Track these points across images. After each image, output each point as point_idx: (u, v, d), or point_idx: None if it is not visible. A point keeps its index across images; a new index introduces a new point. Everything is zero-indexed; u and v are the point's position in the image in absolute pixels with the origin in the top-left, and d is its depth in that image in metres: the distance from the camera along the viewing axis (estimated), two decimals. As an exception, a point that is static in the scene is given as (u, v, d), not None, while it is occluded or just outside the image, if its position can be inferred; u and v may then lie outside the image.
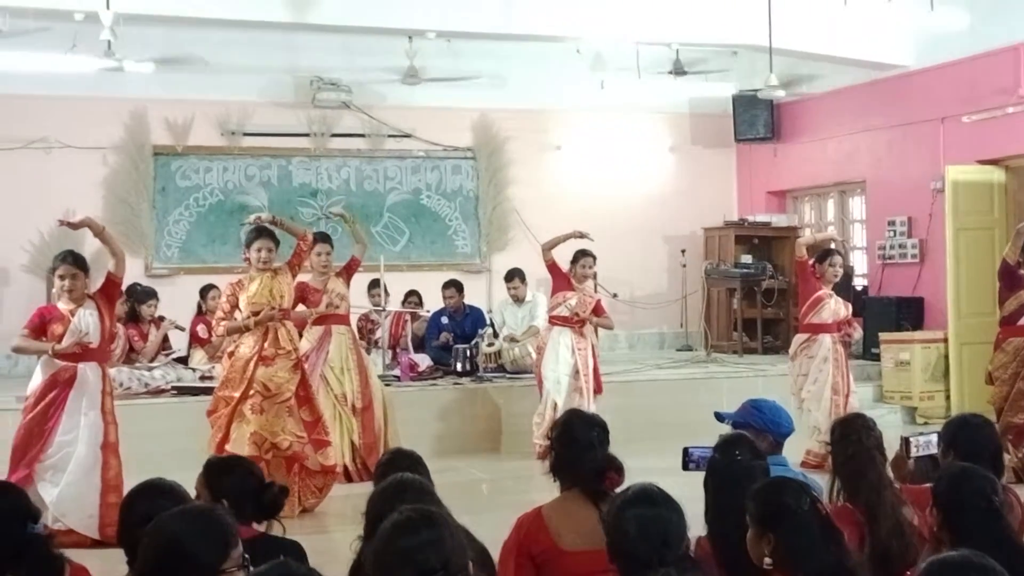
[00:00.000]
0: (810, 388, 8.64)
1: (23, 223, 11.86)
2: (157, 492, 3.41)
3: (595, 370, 9.43)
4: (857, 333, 9.10)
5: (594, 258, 9.46)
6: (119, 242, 7.05)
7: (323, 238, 8.80)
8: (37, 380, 6.63)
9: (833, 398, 8.61)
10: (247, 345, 7.40)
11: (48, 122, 12.00)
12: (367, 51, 11.82)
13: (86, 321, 6.56)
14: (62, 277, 6.60)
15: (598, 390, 9.42)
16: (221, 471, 3.77)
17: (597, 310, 9.46)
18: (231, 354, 7.50)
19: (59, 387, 6.54)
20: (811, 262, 8.83)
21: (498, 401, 10.06)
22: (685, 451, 4.03)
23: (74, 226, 6.84)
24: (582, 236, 9.39)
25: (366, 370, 8.75)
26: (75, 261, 6.66)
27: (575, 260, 9.38)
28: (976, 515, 3.33)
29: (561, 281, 9.30)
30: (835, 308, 8.77)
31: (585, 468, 3.80)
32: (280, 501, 3.69)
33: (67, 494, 6.46)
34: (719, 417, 4.76)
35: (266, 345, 7.36)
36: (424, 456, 4.07)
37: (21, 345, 6.69)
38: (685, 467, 4.02)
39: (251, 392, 7.30)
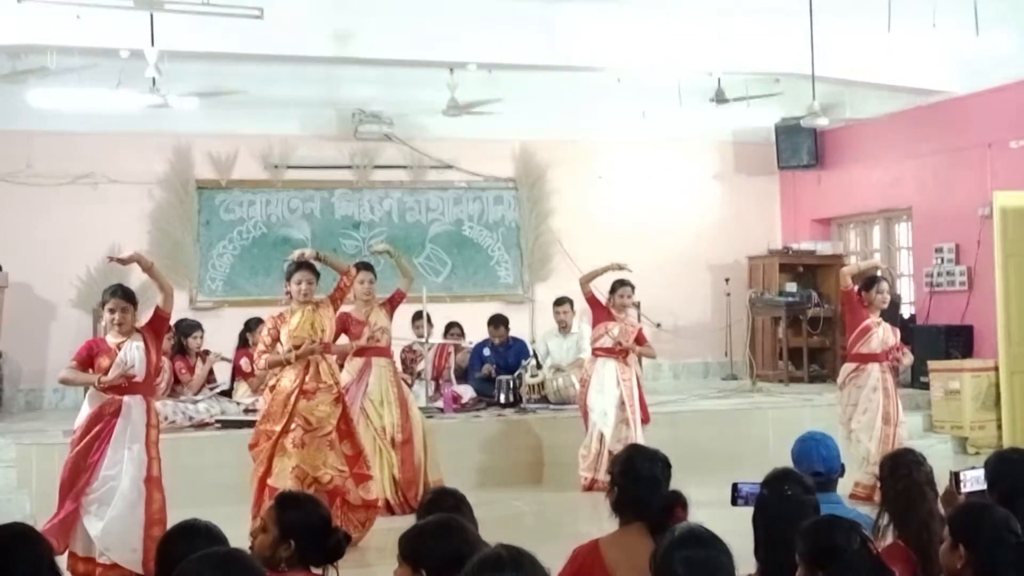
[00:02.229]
0: (860, 418, 8.55)
1: (70, 258, 12.04)
2: (194, 533, 3.41)
3: (641, 400, 9.41)
4: (908, 359, 8.98)
5: (632, 287, 9.46)
6: (166, 277, 7.11)
7: (366, 267, 8.86)
8: (84, 413, 6.69)
9: (884, 428, 8.52)
10: (288, 379, 7.41)
11: (94, 158, 12.20)
12: (408, 83, 11.89)
13: (132, 355, 6.62)
14: (112, 311, 6.66)
15: (645, 420, 9.40)
16: (292, 507, 3.73)
17: (639, 339, 9.44)
18: (272, 388, 7.52)
19: (104, 420, 6.58)
20: (857, 290, 8.76)
21: (541, 433, 10.03)
22: (734, 486, 3.99)
23: (123, 261, 6.92)
24: (620, 268, 9.38)
25: (407, 403, 8.74)
26: (124, 295, 6.72)
27: (613, 290, 9.39)
28: (1003, 551, 3.28)
29: (601, 312, 9.30)
30: (883, 337, 8.69)
31: (651, 503, 3.77)
32: (343, 548, 3.64)
33: (111, 528, 6.49)
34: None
35: (307, 379, 7.37)
36: (466, 488, 4.05)
37: (67, 377, 6.76)
38: (734, 503, 3.98)
39: (292, 426, 7.31)
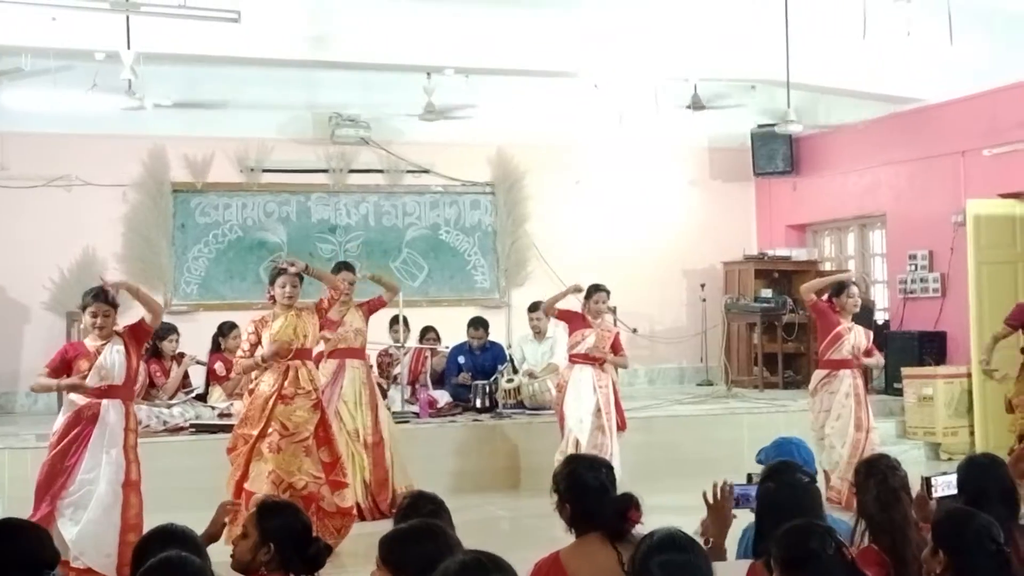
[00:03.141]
0: (834, 424, 8.59)
1: (44, 261, 11.97)
2: (169, 537, 3.41)
3: (618, 406, 9.41)
4: (876, 359, 9.05)
5: (607, 292, 9.44)
6: (151, 295, 7.12)
7: (347, 266, 8.86)
8: (62, 417, 6.66)
9: (855, 435, 8.57)
10: (267, 383, 7.39)
11: (69, 160, 12.11)
12: (385, 87, 11.89)
13: (111, 358, 6.61)
14: (94, 314, 6.65)
15: (622, 426, 9.40)
16: (274, 513, 3.73)
17: (615, 346, 9.43)
18: (251, 392, 7.52)
19: (82, 424, 6.57)
20: (827, 297, 8.82)
21: (517, 437, 10.04)
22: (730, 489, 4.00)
23: (113, 286, 6.86)
24: (579, 290, 9.34)
25: (377, 406, 8.76)
26: (106, 299, 6.70)
27: (588, 296, 9.36)
28: (983, 559, 3.31)
29: (577, 321, 9.28)
30: (855, 342, 8.74)
31: (603, 511, 3.76)
32: (323, 558, 3.65)
33: (87, 532, 6.46)
34: (760, 460, 4.72)
35: (286, 383, 7.36)
36: (442, 493, 4.05)
37: (41, 384, 6.76)
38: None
39: (269, 430, 7.30)
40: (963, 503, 3.95)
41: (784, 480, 3.82)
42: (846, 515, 4.20)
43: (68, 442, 6.56)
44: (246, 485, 7.22)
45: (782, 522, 3.39)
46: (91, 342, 6.68)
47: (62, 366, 6.65)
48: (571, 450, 9.03)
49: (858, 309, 8.96)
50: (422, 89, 11.54)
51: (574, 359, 9.27)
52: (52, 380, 6.65)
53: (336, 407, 8.42)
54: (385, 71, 11.20)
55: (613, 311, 12.52)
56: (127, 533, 6.47)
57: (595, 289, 9.36)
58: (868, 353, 8.88)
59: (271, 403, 7.32)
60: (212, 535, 3.90)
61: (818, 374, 8.82)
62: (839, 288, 8.85)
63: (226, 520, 4.07)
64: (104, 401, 6.59)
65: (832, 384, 8.65)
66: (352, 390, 8.56)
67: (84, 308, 6.75)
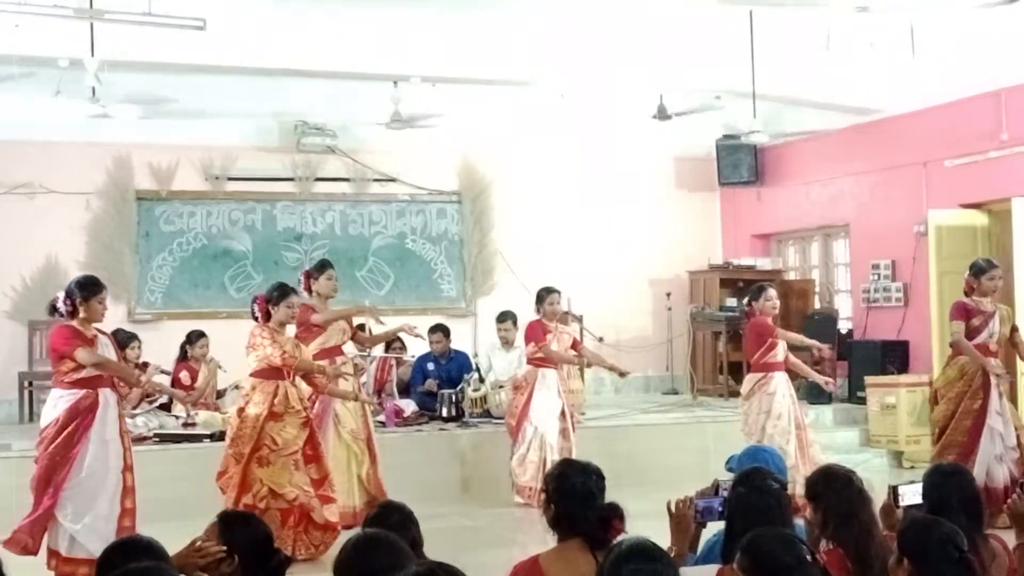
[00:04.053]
0: (776, 423, 8.67)
1: (6, 269, 11.90)
2: (134, 550, 3.38)
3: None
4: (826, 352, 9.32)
5: (559, 293, 9.55)
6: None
7: (332, 264, 8.87)
8: (58, 410, 6.61)
9: (797, 432, 8.71)
10: (256, 403, 7.46)
11: (32, 167, 12.02)
12: (352, 96, 11.88)
13: (106, 345, 6.77)
14: (101, 301, 6.75)
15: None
16: (236, 523, 3.73)
17: (575, 345, 9.59)
18: (241, 411, 7.56)
19: (81, 415, 6.58)
20: (747, 301, 9.05)
21: (484, 447, 10.04)
22: (695, 506, 4.02)
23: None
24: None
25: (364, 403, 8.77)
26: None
27: (540, 300, 9.47)
28: (947, 567, 3.35)
29: (536, 330, 9.38)
30: (784, 347, 8.92)
31: (588, 518, 3.78)
32: (283, 570, 3.66)
33: (94, 527, 6.50)
34: (730, 468, 4.75)
35: (276, 402, 7.44)
36: (409, 502, 4.04)
37: (100, 361, 6.66)
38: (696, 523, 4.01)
39: (261, 446, 7.39)
40: (927, 512, 3.99)
41: (755, 486, 3.84)
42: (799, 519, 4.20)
43: (69, 433, 6.54)
44: (245, 499, 7.29)
45: (751, 528, 3.41)
46: (85, 329, 6.70)
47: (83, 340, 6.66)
48: (535, 452, 9.15)
49: (776, 311, 9.06)
50: (388, 98, 11.54)
51: (534, 362, 9.36)
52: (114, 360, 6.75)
53: (334, 408, 8.38)
54: (351, 79, 11.19)
55: (580, 320, 12.59)
56: (123, 518, 6.59)
57: (547, 292, 9.50)
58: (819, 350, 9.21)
59: (262, 421, 7.40)
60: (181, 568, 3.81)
61: (752, 378, 8.86)
62: (756, 293, 8.99)
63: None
64: (101, 390, 6.64)
65: (768, 385, 8.75)
66: (348, 387, 8.52)
67: (87, 298, 6.68)
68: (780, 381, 8.76)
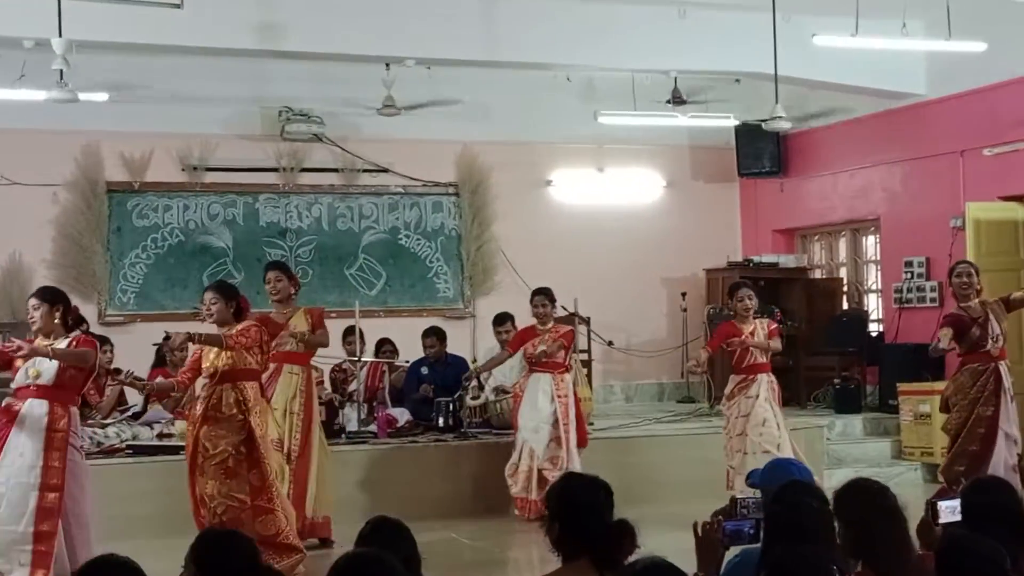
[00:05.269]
0: (761, 430, 8.92)
1: (-35, 266, 11.88)
2: (111, 570, 3.39)
3: (579, 420, 9.66)
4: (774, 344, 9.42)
5: (544, 295, 9.83)
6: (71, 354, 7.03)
7: (276, 265, 9.00)
8: None
9: (780, 433, 8.98)
10: (195, 407, 7.65)
11: (-6, 157, 12.04)
12: (341, 80, 11.89)
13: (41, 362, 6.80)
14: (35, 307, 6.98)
15: (582, 443, 9.61)
16: (213, 546, 3.72)
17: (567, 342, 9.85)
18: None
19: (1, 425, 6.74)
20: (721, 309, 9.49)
21: (483, 459, 10.04)
22: (722, 527, 4.00)
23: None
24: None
25: (312, 419, 8.68)
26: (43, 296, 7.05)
27: (531, 300, 9.85)
28: None
29: (529, 337, 9.72)
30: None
31: (595, 536, 3.77)
32: None
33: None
34: (752, 483, 4.73)
35: (209, 407, 7.52)
36: (404, 519, 4.03)
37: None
38: (723, 544, 3.96)
39: (196, 453, 7.50)
40: (967, 529, 3.98)
41: (793, 503, 3.80)
42: None
43: None
44: (200, 514, 7.44)
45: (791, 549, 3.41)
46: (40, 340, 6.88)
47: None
48: (524, 462, 9.36)
49: (749, 312, 9.29)
50: (380, 81, 11.55)
51: (532, 369, 9.67)
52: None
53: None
54: (340, 62, 11.19)
55: (587, 322, 12.60)
56: (39, 542, 6.55)
57: (534, 294, 9.87)
58: (770, 336, 9.27)
59: (197, 426, 7.53)
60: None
61: (734, 379, 9.26)
62: (730, 291, 9.43)
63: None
64: (29, 401, 6.72)
65: (750, 388, 9.05)
66: (283, 397, 8.53)
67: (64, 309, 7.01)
68: (763, 384, 9.08)
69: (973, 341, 8.40)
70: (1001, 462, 8.22)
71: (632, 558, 3.62)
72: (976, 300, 8.50)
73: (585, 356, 12.47)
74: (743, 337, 9.15)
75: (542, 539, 3.95)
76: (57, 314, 6.93)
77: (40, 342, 6.82)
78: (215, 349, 7.56)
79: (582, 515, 3.85)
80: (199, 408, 7.57)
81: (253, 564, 3.68)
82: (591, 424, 10.98)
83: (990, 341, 8.41)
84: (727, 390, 9.30)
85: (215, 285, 8.03)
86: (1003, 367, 8.48)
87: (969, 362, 8.50)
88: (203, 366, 7.64)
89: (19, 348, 6.73)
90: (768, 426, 8.91)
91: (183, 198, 12.93)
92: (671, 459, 10.36)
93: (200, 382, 7.77)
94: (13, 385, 6.78)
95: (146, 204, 12.82)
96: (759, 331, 9.24)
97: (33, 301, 7.00)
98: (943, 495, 5.11)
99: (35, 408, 6.72)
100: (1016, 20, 10.04)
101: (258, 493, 7.54)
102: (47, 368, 6.73)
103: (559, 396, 9.47)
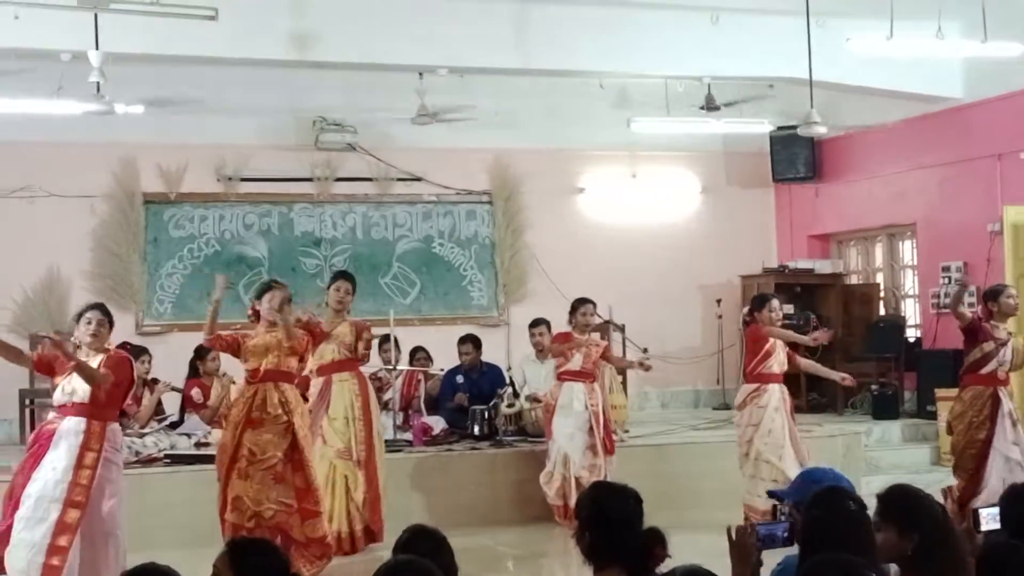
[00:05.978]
0: (766, 440, 8.89)
1: (5, 279, 11.97)
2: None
3: (606, 428, 9.63)
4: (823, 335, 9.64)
5: (594, 304, 9.79)
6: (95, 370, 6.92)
7: (350, 278, 8.94)
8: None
9: (794, 446, 8.96)
10: (237, 409, 7.62)
11: (32, 169, 12.14)
12: (374, 89, 11.93)
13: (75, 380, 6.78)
14: (89, 322, 6.85)
15: (610, 451, 9.59)
16: (247, 552, 3.74)
17: (607, 355, 9.88)
18: (226, 417, 7.72)
19: (39, 443, 6.76)
20: (748, 311, 9.39)
21: (519, 467, 10.04)
22: (755, 530, 3.99)
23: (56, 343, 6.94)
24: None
25: (372, 422, 8.72)
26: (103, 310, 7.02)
27: (574, 310, 9.73)
28: None
29: (563, 341, 9.69)
30: (782, 359, 9.11)
31: (626, 545, 3.77)
32: None
33: (14, 547, 6.58)
34: (775, 497, 4.70)
35: (253, 408, 7.53)
36: (440, 527, 4.04)
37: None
38: (760, 544, 3.96)
39: (239, 456, 7.48)
40: (1007, 536, 3.95)
41: (832, 508, 3.77)
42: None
43: (24, 459, 6.74)
44: (227, 516, 7.41)
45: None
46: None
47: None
48: (559, 468, 9.39)
49: (777, 324, 9.27)
50: (414, 91, 11.57)
51: (563, 377, 9.64)
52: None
53: (322, 423, 8.45)
54: (373, 71, 11.22)
55: (621, 329, 12.58)
56: (51, 556, 6.51)
57: (580, 302, 9.74)
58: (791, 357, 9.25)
59: (239, 429, 7.51)
60: None
61: (747, 388, 9.16)
62: (760, 303, 9.25)
63: None
64: (66, 421, 6.71)
65: (761, 398, 8.97)
66: (341, 405, 8.56)
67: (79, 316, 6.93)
68: (775, 394, 9.01)
69: (984, 355, 8.63)
70: (1000, 485, 8.14)
71: (664, 566, 3.61)
72: (1007, 329, 8.77)
73: (620, 363, 12.44)
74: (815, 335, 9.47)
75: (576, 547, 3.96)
76: (111, 333, 6.98)
77: (80, 355, 6.84)
78: (266, 345, 7.58)
79: (612, 524, 3.85)
80: (241, 410, 7.56)
81: (284, 571, 3.71)
82: (626, 431, 11.01)
83: (995, 363, 8.64)
84: (738, 400, 9.28)
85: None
86: (1003, 392, 8.70)
87: (972, 383, 8.71)
88: (246, 366, 7.67)
89: (69, 357, 6.73)
90: (773, 436, 8.88)
91: (218, 208, 13.02)
92: (707, 466, 10.30)
93: (234, 390, 7.83)
94: (54, 402, 6.79)
95: (182, 215, 12.91)
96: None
97: (98, 316, 6.89)
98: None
99: (72, 425, 6.71)
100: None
101: (304, 496, 7.59)
102: (81, 385, 6.71)
103: (591, 404, 9.52)
